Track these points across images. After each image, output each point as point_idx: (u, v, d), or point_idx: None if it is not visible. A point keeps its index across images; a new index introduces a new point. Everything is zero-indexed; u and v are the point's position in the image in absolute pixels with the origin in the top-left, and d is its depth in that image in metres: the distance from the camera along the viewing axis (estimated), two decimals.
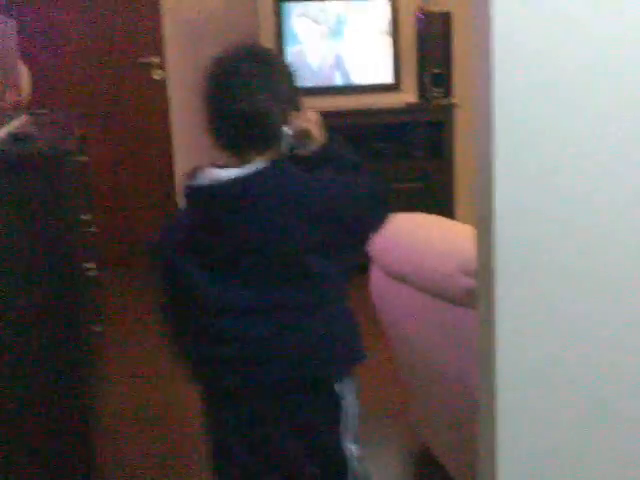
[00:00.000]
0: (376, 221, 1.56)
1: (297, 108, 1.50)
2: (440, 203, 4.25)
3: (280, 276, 1.45)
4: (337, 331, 1.53)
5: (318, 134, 1.53)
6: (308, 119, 1.52)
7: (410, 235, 2.09)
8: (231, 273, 1.46)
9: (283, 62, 1.54)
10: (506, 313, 1.32)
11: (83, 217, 2.69)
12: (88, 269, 2.67)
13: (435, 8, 4.26)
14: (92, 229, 2.98)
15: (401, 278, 2.10)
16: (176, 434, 2.74)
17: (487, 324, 1.35)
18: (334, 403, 1.54)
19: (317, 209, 1.44)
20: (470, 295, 1.67)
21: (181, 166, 4.77)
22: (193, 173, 1.49)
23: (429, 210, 2.35)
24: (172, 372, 3.17)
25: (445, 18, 4.23)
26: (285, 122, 1.47)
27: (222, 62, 1.48)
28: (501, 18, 1.23)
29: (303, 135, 1.51)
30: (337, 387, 1.55)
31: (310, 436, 1.54)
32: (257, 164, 1.45)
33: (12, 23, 3.13)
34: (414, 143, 4.39)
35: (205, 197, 1.46)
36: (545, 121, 1.27)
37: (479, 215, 1.36)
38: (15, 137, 2.18)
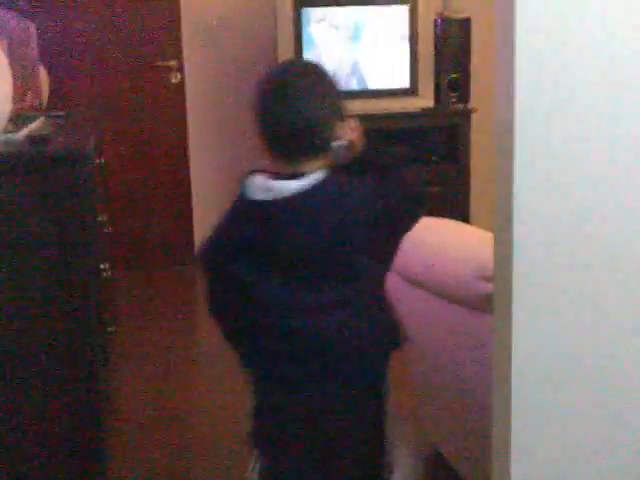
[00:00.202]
0: (414, 220, 1.64)
1: (342, 118, 1.56)
2: (456, 208, 4.24)
3: (332, 276, 1.53)
4: (382, 322, 1.60)
5: (360, 142, 1.60)
6: (352, 128, 1.58)
7: (427, 239, 2.08)
8: (288, 276, 1.53)
9: (329, 75, 1.59)
10: (523, 318, 1.31)
11: (99, 218, 2.71)
12: (103, 270, 2.68)
13: (454, 14, 4.26)
14: (107, 230, 3.00)
15: (417, 283, 2.09)
16: (188, 434, 2.75)
17: (503, 329, 1.35)
18: (379, 392, 1.61)
19: (372, 216, 1.52)
20: (487, 300, 1.66)
21: (197, 169, 4.79)
22: (243, 181, 1.54)
23: (445, 215, 2.34)
24: (184, 372, 3.23)
25: (464, 24, 4.23)
26: (333, 131, 1.53)
27: (272, 76, 1.56)
28: (523, 20, 1.22)
29: (349, 145, 1.58)
30: (382, 377, 1.61)
31: (358, 425, 1.59)
32: (314, 175, 1.50)
33: (32, 27, 3.17)
34: (430, 148, 4.38)
35: (268, 211, 1.51)
36: (567, 125, 1.26)
37: (498, 220, 1.35)
38: (33, 139, 2.19)
